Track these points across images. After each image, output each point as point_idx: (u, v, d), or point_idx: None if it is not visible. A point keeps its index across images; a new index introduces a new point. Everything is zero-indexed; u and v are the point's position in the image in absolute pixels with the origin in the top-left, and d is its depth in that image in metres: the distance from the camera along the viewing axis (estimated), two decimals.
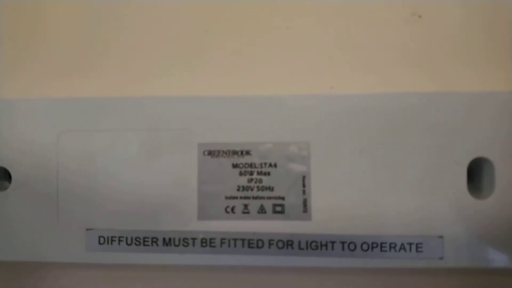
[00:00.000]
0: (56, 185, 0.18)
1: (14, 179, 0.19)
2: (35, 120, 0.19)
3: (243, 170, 0.18)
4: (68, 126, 0.18)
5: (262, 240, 0.18)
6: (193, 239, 0.18)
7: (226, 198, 0.18)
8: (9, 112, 0.19)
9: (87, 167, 0.18)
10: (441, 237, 0.17)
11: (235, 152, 0.18)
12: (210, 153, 0.18)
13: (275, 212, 0.18)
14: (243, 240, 0.18)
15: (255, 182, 0.18)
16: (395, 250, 0.17)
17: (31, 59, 0.20)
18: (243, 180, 0.18)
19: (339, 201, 0.18)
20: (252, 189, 0.18)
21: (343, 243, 0.18)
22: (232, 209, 0.18)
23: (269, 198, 0.18)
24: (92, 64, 0.20)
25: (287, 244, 0.18)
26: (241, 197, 0.18)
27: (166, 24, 0.20)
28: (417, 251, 0.17)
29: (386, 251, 0.17)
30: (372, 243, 0.17)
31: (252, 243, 0.18)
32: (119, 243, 0.18)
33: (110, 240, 0.18)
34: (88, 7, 0.20)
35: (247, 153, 0.18)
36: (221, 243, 0.18)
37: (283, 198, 0.18)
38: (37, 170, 0.19)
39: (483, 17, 0.19)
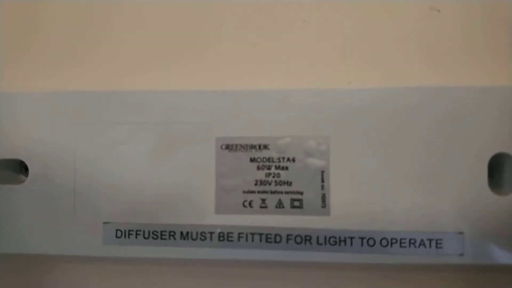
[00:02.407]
0: (73, 178, 0.18)
1: (31, 172, 0.19)
2: (53, 113, 0.19)
3: (260, 164, 0.18)
4: (85, 118, 0.18)
5: (280, 235, 0.18)
6: (211, 233, 0.18)
7: (244, 192, 0.18)
8: (27, 105, 0.19)
9: (104, 160, 0.18)
10: (461, 233, 0.17)
11: (253, 146, 0.18)
12: (227, 147, 0.18)
13: (293, 207, 0.18)
14: (260, 234, 0.18)
15: (273, 177, 0.18)
16: (415, 246, 0.17)
17: (43, 51, 0.20)
18: (261, 175, 0.18)
19: (359, 196, 0.17)
20: (270, 184, 0.18)
21: (362, 238, 0.17)
22: (250, 203, 0.18)
23: (287, 192, 0.18)
24: (109, 58, 0.20)
25: (305, 239, 0.18)
26: (258, 192, 0.18)
27: (182, 16, 0.20)
28: (437, 247, 0.17)
29: (405, 247, 0.17)
30: (392, 239, 0.17)
31: (270, 238, 0.18)
32: (136, 237, 0.18)
33: (127, 233, 0.18)
34: None
35: (265, 147, 0.18)
36: (239, 237, 0.18)
37: (301, 193, 0.18)
38: (54, 163, 0.19)
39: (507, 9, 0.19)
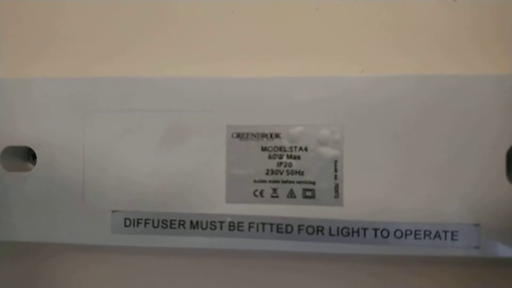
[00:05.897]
0: (82, 166, 0.18)
1: (39, 160, 0.18)
2: (61, 99, 0.18)
3: (272, 153, 0.18)
4: (95, 106, 0.18)
5: (291, 225, 0.17)
6: (221, 222, 0.18)
7: (255, 181, 0.18)
8: (35, 91, 0.18)
9: (114, 148, 0.18)
10: (477, 225, 0.17)
11: (264, 135, 0.18)
12: (238, 135, 0.18)
13: (305, 197, 0.17)
14: (271, 224, 0.17)
15: (285, 166, 0.18)
16: (430, 238, 0.17)
17: (53, 38, 0.20)
18: (272, 164, 0.18)
19: (373, 186, 0.17)
20: (281, 173, 0.18)
21: (375, 230, 0.17)
22: (261, 192, 0.18)
23: (299, 182, 0.17)
24: (120, 45, 0.20)
25: (317, 230, 0.17)
26: (270, 181, 0.18)
27: (192, 4, 0.20)
28: (452, 239, 0.17)
29: (420, 238, 0.17)
30: (406, 231, 0.17)
31: (281, 228, 0.17)
32: (145, 226, 0.18)
33: (136, 222, 0.18)
34: None
35: (277, 136, 0.18)
36: (249, 227, 0.17)
37: (313, 183, 0.17)
38: (62, 150, 0.18)
39: None
